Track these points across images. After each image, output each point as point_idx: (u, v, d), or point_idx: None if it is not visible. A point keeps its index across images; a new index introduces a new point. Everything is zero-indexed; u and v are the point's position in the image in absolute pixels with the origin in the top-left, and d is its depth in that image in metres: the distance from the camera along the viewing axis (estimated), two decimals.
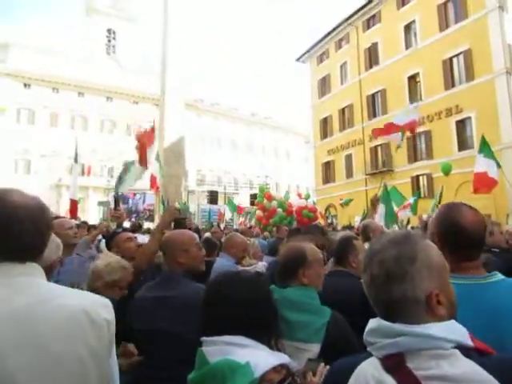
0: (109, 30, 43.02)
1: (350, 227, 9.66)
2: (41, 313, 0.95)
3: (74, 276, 2.79)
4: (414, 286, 0.85)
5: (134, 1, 44.77)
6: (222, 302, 1.24)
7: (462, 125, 21.42)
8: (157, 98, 31.01)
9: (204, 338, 1.20)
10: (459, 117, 21.42)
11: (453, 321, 0.85)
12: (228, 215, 17.70)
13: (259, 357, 1.12)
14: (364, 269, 0.93)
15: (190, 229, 2.89)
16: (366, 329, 0.90)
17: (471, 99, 20.48)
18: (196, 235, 2.32)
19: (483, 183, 6.34)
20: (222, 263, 3.30)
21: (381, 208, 6.99)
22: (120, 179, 6.67)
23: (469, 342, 0.82)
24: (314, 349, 1.58)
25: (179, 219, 2.89)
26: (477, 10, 20.89)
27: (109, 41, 43.08)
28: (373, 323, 0.89)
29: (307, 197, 14.78)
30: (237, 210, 16.88)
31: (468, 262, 1.33)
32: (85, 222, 9.18)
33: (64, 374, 0.95)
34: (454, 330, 0.82)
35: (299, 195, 15.32)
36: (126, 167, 6.77)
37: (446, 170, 11.56)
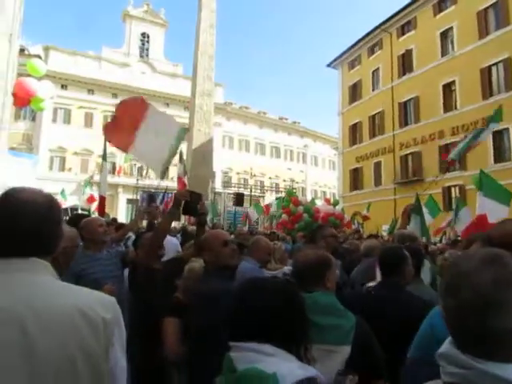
0: (143, 34, 44.10)
1: (375, 236, 9.43)
2: (28, 312, 0.95)
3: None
4: None
5: (168, 7, 45.77)
6: (248, 310, 1.21)
7: (499, 136, 20.62)
8: (187, 101, 31.55)
9: (232, 343, 1.18)
10: (497, 127, 20.62)
11: None
12: (254, 217, 17.72)
13: (287, 368, 1.08)
14: (450, 291, 0.80)
15: (202, 214, 2.86)
16: (439, 350, 0.82)
17: (510, 109, 19.69)
18: (226, 233, 2.47)
19: (480, 227, 5.11)
20: (246, 267, 3.26)
21: (413, 218, 6.76)
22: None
23: None
24: (345, 351, 1.60)
25: (190, 203, 2.84)
26: None
27: (142, 44, 44.17)
28: (447, 347, 0.81)
29: (335, 203, 14.57)
30: (263, 211, 16.82)
31: None
32: (114, 220, 9.38)
33: (53, 373, 0.94)
34: None
35: (327, 201, 15.12)
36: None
37: (479, 183, 10.77)
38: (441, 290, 0.83)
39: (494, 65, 21.19)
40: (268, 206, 16.67)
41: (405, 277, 2.41)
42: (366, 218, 14.48)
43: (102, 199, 7.59)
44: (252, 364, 1.09)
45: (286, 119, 52.13)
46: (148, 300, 2.65)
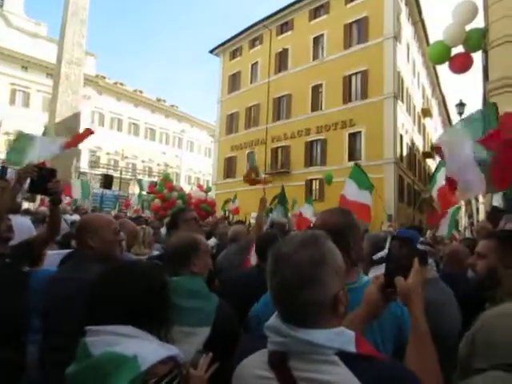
0: None
1: (242, 222, 9.71)
2: None
3: None
4: (325, 289, 0.88)
5: None
6: (108, 291, 1.18)
7: (353, 137, 23.58)
8: (51, 67, 27.98)
9: (88, 328, 1.12)
10: (352, 130, 23.55)
11: (341, 328, 0.90)
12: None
13: (147, 349, 1.08)
14: (273, 271, 0.92)
15: (55, 193, 2.60)
16: (268, 322, 0.94)
17: (363, 115, 22.67)
18: (113, 219, 2.28)
19: (357, 210, 5.61)
20: None
21: (278, 208, 7.35)
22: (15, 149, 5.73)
23: (350, 349, 0.86)
24: (205, 332, 1.65)
25: (39, 180, 2.51)
26: (376, 35, 23.18)
27: None
28: (272, 320, 0.93)
29: (208, 190, 14.74)
30: (147, 190, 16.13)
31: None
32: None
33: None
34: (338, 337, 0.86)
35: (200, 187, 15.20)
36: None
37: (329, 180, 12.20)
38: (267, 272, 0.95)
39: (354, 74, 24.02)
40: (152, 186, 16.06)
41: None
42: (235, 211, 14.95)
43: None
44: (110, 347, 1.05)
45: (164, 101, 50.44)
46: None
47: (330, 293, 0.88)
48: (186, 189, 16.23)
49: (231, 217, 14.74)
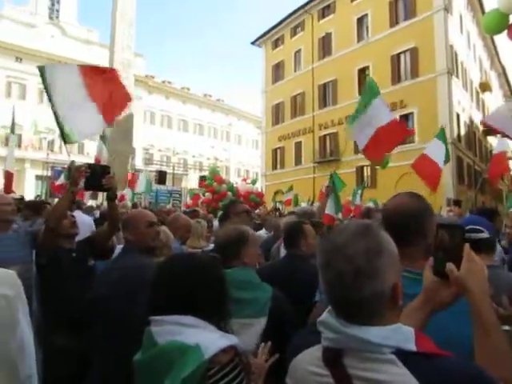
0: None
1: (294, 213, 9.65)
2: None
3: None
4: (383, 281, 0.83)
5: None
6: (171, 282, 1.22)
7: (405, 119, 22.53)
8: None
9: (152, 318, 1.17)
10: (403, 111, 22.51)
11: (399, 324, 0.85)
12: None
13: (209, 338, 1.12)
14: (326, 264, 0.87)
15: (110, 189, 2.73)
16: (320, 317, 0.91)
17: (415, 96, 21.57)
18: (150, 214, 2.45)
19: (426, 169, 5.99)
20: None
21: (330, 197, 7.23)
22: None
23: (409, 346, 0.81)
24: (262, 323, 1.68)
25: (93, 177, 2.65)
26: (424, 9, 21.87)
27: (52, 5, 39.80)
28: (325, 315, 0.90)
29: (253, 182, 14.88)
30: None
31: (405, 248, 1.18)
32: (22, 198, 8.62)
33: None
34: (395, 334, 0.82)
35: (245, 180, 15.40)
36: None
37: (384, 164, 11.47)
38: (319, 265, 0.89)
39: (402, 53, 22.88)
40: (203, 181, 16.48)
41: (301, 248, 2.57)
42: (287, 203, 14.93)
43: (9, 175, 6.96)
44: (173, 337, 1.10)
45: (210, 96, 51.28)
46: (53, 284, 2.56)
47: (388, 285, 0.83)
48: (236, 182, 16.48)
49: (282, 208, 14.77)
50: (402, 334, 0.83)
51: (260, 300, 1.75)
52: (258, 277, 1.85)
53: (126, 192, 12.86)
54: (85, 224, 4.76)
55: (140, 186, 13.90)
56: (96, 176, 2.68)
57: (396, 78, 23.08)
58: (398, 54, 23.03)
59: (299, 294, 2.01)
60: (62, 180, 11.03)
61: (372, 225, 0.91)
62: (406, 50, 22.55)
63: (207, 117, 49.47)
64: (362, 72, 25.23)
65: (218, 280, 1.29)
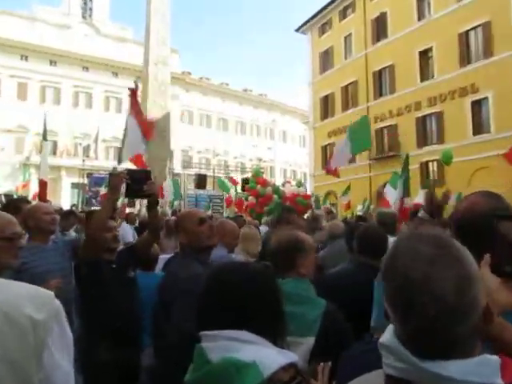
0: None
1: (363, 219, 8.32)
2: None
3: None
4: (478, 311, 0.75)
5: None
6: (224, 293, 1.20)
7: (477, 106, 21.45)
8: (139, 70, 30.58)
9: (203, 333, 1.16)
10: (475, 97, 21.45)
11: (485, 355, 0.76)
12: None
13: (266, 355, 1.09)
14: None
15: (151, 194, 2.78)
16: (381, 339, 0.82)
17: (489, 78, 20.46)
18: (200, 210, 2.47)
19: None
20: (214, 253, 3.24)
21: (396, 193, 6.99)
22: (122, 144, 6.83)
23: (495, 381, 0.73)
24: (309, 343, 1.63)
25: (133, 184, 2.72)
26: None
27: (85, 4, 42.07)
28: (389, 338, 0.81)
29: (299, 184, 14.80)
30: (229, 186, 16.82)
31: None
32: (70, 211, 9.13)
33: None
34: (479, 368, 0.73)
35: (289, 182, 15.38)
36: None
37: (447, 159, 10.00)
38: (390, 297, 0.79)
39: (472, 29, 21.85)
40: (234, 179, 16.58)
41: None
42: (347, 206, 14.73)
43: (43, 184, 7.34)
44: (228, 353, 1.08)
45: (251, 91, 51.79)
46: (95, 297, 2.65)
47: (480, 312, 0.75)
48: (282, 184, 16.48)
49: (335, 210, 14.57)
50: (487, 366, 0.74)
51: (307, 316, 1.69)
52: (312, 290, 1.79)
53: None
54: (126, 233, 4.96)
55: (168, 193, 14.23)
56: (136, 182, 2.74)
57: (465, 58, 22.06)
58: (467, 31, 22.00)
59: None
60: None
61: (450, 244, 0.78)
62: (477, 26, 21.49)
63: (248, 114, 50.00)
64: (424, 54, 24.38)
65: (270, 291, 1.26)
